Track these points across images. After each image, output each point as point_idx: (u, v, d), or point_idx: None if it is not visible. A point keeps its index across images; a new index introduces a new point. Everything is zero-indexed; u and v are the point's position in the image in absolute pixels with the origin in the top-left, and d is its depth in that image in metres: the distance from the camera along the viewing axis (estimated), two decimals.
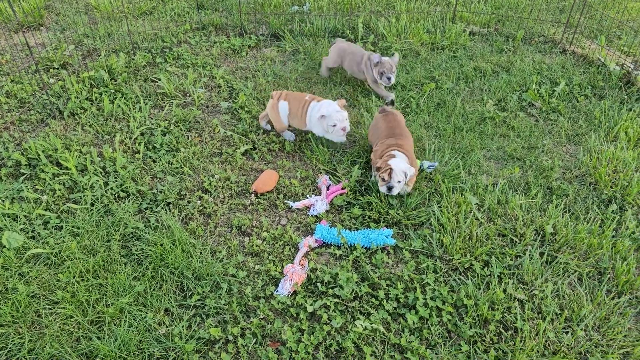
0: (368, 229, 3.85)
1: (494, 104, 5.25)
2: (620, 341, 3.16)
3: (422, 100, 5.28)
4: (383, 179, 3.93)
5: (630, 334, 3.22)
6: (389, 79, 5.07)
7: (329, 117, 4.35)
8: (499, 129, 4.95)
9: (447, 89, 5.50)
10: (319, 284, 3.45)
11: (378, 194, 4.07)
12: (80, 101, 5.05)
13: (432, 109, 5.19)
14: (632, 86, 5.41)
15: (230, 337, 3.16)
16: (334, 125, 4.38)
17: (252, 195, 4.15)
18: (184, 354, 3.04)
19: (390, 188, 3.93)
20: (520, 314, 3.27)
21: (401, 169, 3.87)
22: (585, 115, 5.11)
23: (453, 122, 4.98)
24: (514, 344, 3.11)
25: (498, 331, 3.21)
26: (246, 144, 4.66)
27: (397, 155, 3.99)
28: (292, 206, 4.05)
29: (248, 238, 3.83)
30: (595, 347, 3.14)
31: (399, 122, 4.34)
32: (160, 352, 3.06)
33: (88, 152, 4.43)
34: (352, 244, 3.72)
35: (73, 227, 3.79)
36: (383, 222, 3.94)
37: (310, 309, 3.30)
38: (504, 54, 6.12)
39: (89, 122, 4.84)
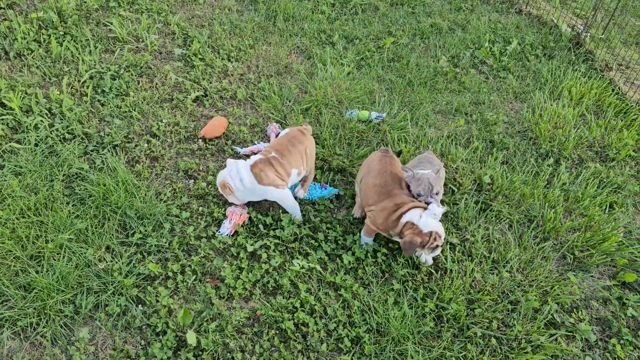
0: (314, 184, 3.90)
1: (447, 60, 5.33)
2: (541, 282, 3.37)
3: (377, 55, 5.31)
4: (434, 247, 3.21)
5: (551, 275, 3.43)
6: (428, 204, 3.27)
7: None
8: (449, 85, 5.05)
9: (403, 44, 5.54)
10: (260, 226, 3.54)
11: (324, 144, 4.14)
12: (27, 42, 4.91)
13: (386, 64, 5.24)
14: (581, 47, 5.55)
15: (170, 274, 3.24)
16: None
17: (200, 140, 4.17)
18: (122, 288, 3.11)
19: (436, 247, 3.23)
20: (451, 256, 3.44)
21: (438, 225, 3.18)
22: (533, 74, 5.24)
23: (406, 77, 5.04)
24: (443, 283, 3.28)
25: (429, 272, 3.38)
26: (197, 91, 4.64)
27: (421, 215, 3.18)
28: (239, 152, 4.10)
29: (193, 181, 3.87)
30: (518, 286, 3.34)
31: (395, 176, 3.41)
32: (99, 286, 3.13)
33: (34, 93, 4.34)
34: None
35: (15, 166, 3.76)
36: (328, 170, 4.03)
37: (250, 249, 3.39)
38: (461, 12, 6.17)
39: (35, 63, 4.72)
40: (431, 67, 5.21)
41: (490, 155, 4.22)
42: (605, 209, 3.90)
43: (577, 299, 3.34)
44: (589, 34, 5.62)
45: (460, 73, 5.18)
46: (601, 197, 3.92)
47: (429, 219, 3.12)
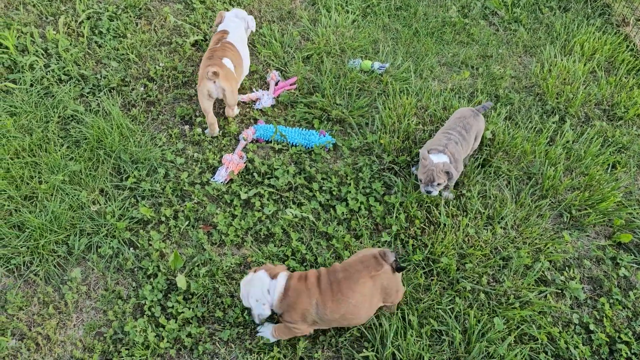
0: (310, 130, 3.84)
1: (457, 10, 5.13)
2: (535, 239, 3.35)
3: (384, 2, 5.12)
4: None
5: (546, 233, 3.40)
6: (428, 192, 3.32)
7: None
8: (457, 36, 4.88)
9: None
10: (255, 174, 3.51)
11: (324, 94, 4.05)
12: None
13: (393, 12, 5.05)
14: (598, 0, 5.31)
15: (163, 219, 3.25)
16: None
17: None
18: (115, 231, 3.13)
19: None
20: (445, 210, 3.41)
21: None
22: (545, 27, 5.04)
23: (413, 27, 4.87)
24: (435, 237, 3.27)
25: (422, 226, 3.36)
26: (197, 35, 4.52)
27: None
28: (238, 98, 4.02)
29: (189, 127, 3.82)
30: (511, 243, 3.32)
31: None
32: (92, 227, 3.15)
33: (29, 32, 4.26)
34: (292, 143, 3.75)
35: (10, 106, 3.72)
36: (327, 120, 3.96)
37: (244, 197, 3.38)
38: None
39: (32, 1, 4.61)
40: (440, 17, 5.02)
41: (494, 110, 4.11)
42: (608, 168, 3.82)
43: (570, 258, 3.32)
44: None
45: (470, 24, 4.99)
46: (604, 156, 3.83)
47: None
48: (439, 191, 3.37)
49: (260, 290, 2.57)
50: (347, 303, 2.57)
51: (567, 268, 3.27)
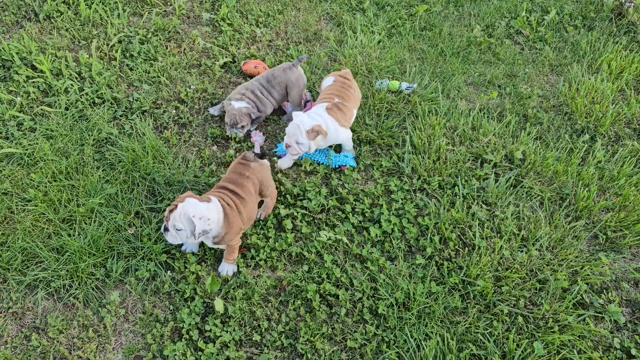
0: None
1: (482, 29, 5.15)
2: (570, 261, 3.31)
3: (409, 23, 5.16)
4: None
5: (582, 255, 3.37)
6: (234, 133, 3.90)
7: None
8: (483, 56, 4.89)
9: (436, 12, 5.36)
10: (288, 196, 3.53)
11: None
12: (56, 4, 4.89)
13: (418, 32, 5.09)
14: (623, 18, 5.30)
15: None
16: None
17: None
18: (152, 253, 3.16)
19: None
20: (479, 232, 3.40)
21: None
22: (571, 46, 5.04)
23: (438, 47, 4.90)
24: (470, 259, 3.25)
25: (456, 248, 3.35)
26: (225, 57, 4.58)
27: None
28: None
29: (220, 149, 3.86)
30: (547, 265, 3.29)
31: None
32: (129, 250, 3.18)
33: (63, 56, 4.35)
34: (314, 160, 3.78)
35: (47, 129, 3.79)
36: (357, 141, 3.97)
37: (277, 218, 3.39)
38: None
39: (65, 26, 4.71)
40: (464, 36, 5.05)
41: (523, 130, 4.10)
42: None
43: (608, 280, 3.28)
44: (632, 4, 5.35)
45: (495, 43, 5.01)
46: (637, 177, 3.79)
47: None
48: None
49: (201, 211, 2.78)
50: (249, 206, 3.08)
51: (604, 291, 3.23)
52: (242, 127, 3.84)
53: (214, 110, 4.08)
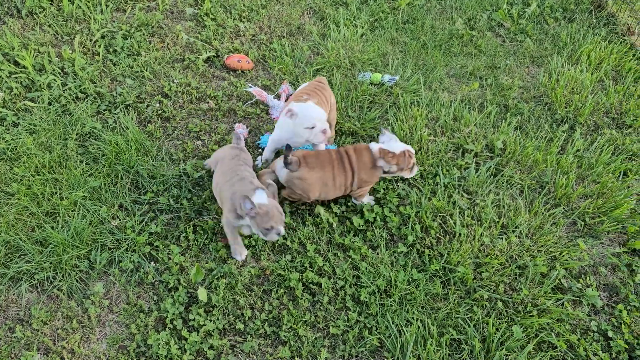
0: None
1: (463, 22, 5.21)
2: (549, 247, 3.37)
3: (392, 16, 5.20)
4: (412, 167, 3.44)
5: (560, 241, 3.43)
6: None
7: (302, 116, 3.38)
8: (465, 48, 4.95)
9: (419, 5, 5.41)
10: None
11: (336, 107, 4.11)
12: (39, 0, 4.88)
13: (400, 26, 5.14)
14: (603, 10, 5.38)
15: (182, 233, 3.29)
16: (312, 127, 3.38)
17: (210, 102, 4.16)
18: (135, 245, 3.18)
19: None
20: (460, 220, 3.45)
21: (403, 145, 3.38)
22: (552, 38, 5.11)
23: (421, 40, 4.95)
24: (451, 246, 3.30)
25: (437, 236, 3.39)
26: (209, 51, 4.60)
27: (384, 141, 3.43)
28: (249, 89, 4.17)
29: (202, 142, 3.89)
30: (526, 251, 3.35)
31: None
32: (112, 242, 3.20)
33: (46, 52, 4.34)
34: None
35: (30, 124, 3.79)
36: (339, 132, 4.01)
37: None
38: None
39: (48, 22, 4.70)
40: (447, 29, 5.11)
41: (503, 120, 4.16)
42: (619, 176, 3.86)
43: (586, 265, 3.35)
44: None
45: (476, 36, 5.07)
46: (615, 164, 3.87)
47: (392, 142, 3.37)
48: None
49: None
50: None
51: (583, 275, 3.30)
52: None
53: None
